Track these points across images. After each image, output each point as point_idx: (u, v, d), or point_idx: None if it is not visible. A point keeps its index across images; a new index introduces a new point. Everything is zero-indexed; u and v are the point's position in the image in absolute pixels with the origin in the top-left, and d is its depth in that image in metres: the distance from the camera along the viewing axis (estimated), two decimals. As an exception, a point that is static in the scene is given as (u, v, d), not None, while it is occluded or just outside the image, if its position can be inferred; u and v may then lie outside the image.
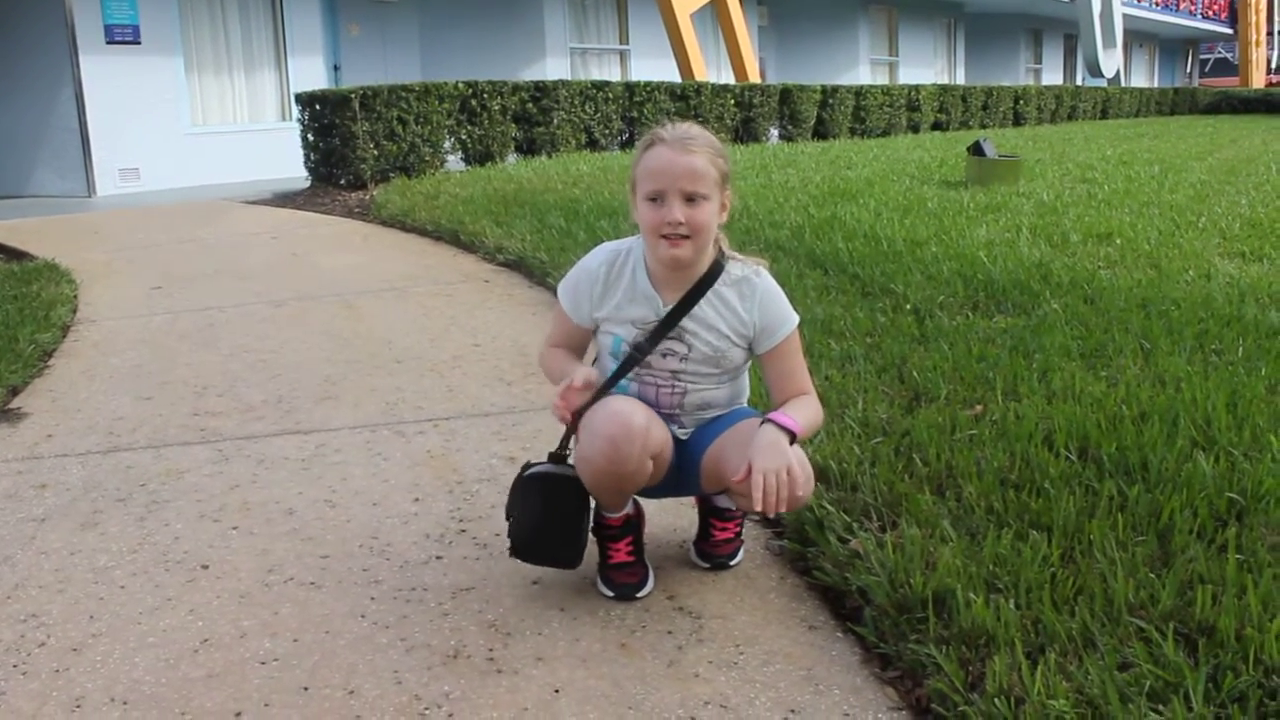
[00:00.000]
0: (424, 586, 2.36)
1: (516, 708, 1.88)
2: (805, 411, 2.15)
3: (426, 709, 1.89)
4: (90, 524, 2.79)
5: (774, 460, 1.98)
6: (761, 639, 2.06)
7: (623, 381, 2.22)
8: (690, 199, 2.04)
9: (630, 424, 2.05)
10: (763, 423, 2.06)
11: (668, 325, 2.16)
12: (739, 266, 2.19)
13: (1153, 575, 1.97)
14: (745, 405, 2.33)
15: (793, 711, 1.82)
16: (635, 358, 2.18)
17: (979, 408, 3.02)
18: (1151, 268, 5.06)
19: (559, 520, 2.21)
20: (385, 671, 2.02)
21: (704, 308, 2.16)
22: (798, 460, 2.01)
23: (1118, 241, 5.85)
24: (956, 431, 2.81)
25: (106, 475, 3.14)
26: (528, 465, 2.26)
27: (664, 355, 2.19)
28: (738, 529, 2.36)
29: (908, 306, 4.29)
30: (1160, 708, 1.57)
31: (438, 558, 2.51)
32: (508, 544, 2.28)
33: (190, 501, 2.92)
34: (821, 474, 2.55)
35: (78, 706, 1.94)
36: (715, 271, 2.16)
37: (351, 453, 3.25)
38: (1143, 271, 4.96)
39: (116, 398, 3.92)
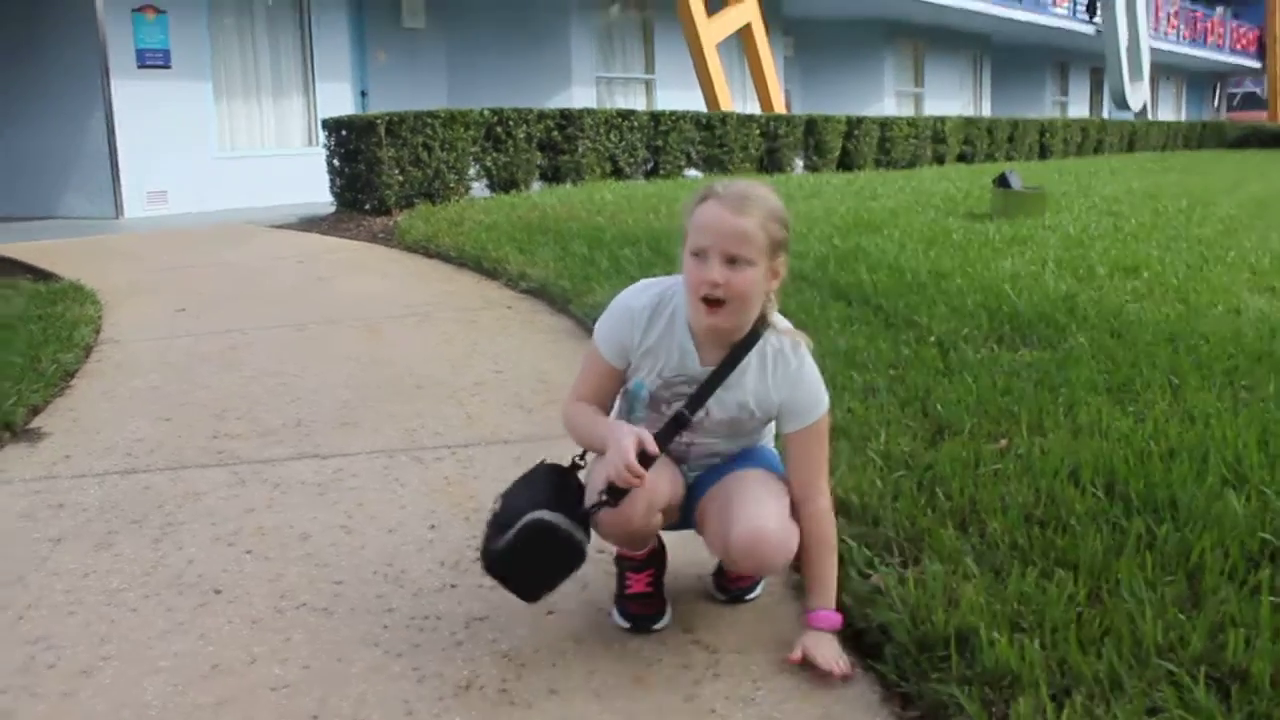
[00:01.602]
0: (437, 615, 2.33)
1: (529, 742, 1.84)
2: (831, 571, 2.11)
3: (436, 741, 1.86)
4: (105, 545, 2.78)
5: (830, 649, 2.02)
6: (779, 676, 2.02)
7: (634, 417, 2.19)
8: (733, 261, 1.94)
9: (632, 510, 2.03)
10: (810, 620, 2.08)
11: (704, 393, 2.09)
12: (778, 339, 2.09)
13: (1182, 617, 1.92)
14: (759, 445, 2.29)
15: (811, 751, 1.78)
16: (676, 429, 2.11)
17: (1004, 442, 2.97)
18: (1180, 302, 5.00)
19: (550, 572, 2.11)
20: (396, 701, 1.99)
21: (734, 376, 2.09)
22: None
23: (1145, 275, 5.78)
24: (980, 466, 2.77)
25: (123, 496, 3.13)
26: (536, 500, 2.09)
27: (683, 428, 2.13)
28: None
29: (931, 339, 4.24)
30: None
31: (452, 586, 2.48)
32: (481, 545, 2.14)
33: (205, 525, 2.90)
34: (842, 507, 2.51)
35: (85, 732, 1.92)
36: (752, 339, 2.07)
37: (369, 478, 3.23)
38: (1171, 306, 4.89)
39: (136, 419, 3.92)
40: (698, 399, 2.09)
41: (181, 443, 3.63)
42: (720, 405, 2.10)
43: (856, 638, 2.10)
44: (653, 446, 1.99)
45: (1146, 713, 1.62)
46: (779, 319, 2.12)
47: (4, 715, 1.97)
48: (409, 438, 3.61)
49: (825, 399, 2.12)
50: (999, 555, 2.22)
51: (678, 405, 2.11)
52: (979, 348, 4.13)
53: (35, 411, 4.00)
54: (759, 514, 2.02)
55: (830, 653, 2.00)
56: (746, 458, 2.20)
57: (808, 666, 2.01)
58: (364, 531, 2.82)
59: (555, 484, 2.16)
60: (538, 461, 2.25)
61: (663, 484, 2.07)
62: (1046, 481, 2.60)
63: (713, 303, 1.96)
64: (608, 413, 2.20)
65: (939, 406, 3.29)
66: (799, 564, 2.13)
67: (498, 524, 2.08)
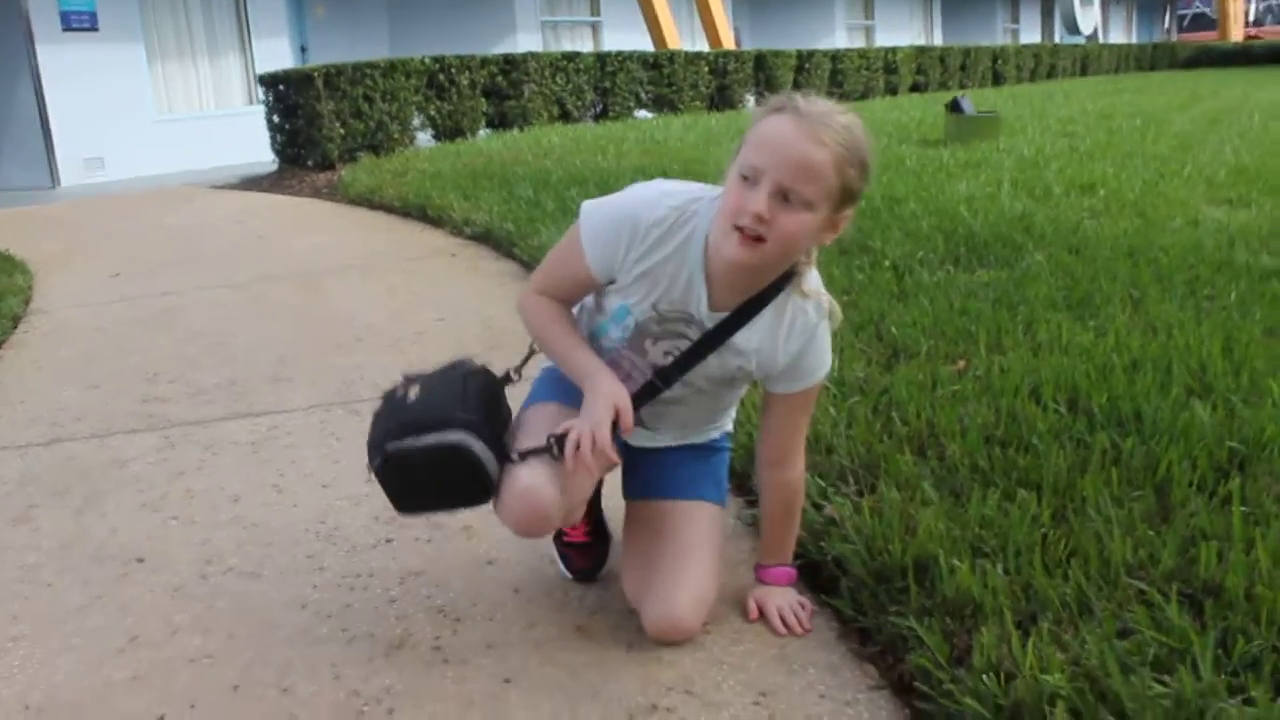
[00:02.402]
0: (370, 572, 2.20)
1: (462, 700, 1.72)
2: (793, 534, 1.92)
3: (365, 705, 1.73)
4: (22, 520, 2.62)
5: (783, 598, 1.88)
6: (731, 617, 1.91)
7: (600, 347, 1.84)
8: (786, 197, 1.55)
9: (539, 507, 1.70)
10: (764, 576, 1.92)
11: (707, 346, 1.75)
12: (802, 299, 1.73)
13: (1152, 533, 1.82)
14: (719, 438, 2.05)
15: (763, 694, 1.67)
16: (657, 387, 1.80)
17: (961, 363, 2.86)
18: (1137, 216, 4.91)
19: (444, 499, 1.81)
20: (323, 666, 1.86)
21: (752, 332, 1.75)
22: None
23: (1101, 192, 5.69)
24: (938, 388, 2.66)
25: (44, 468, 2.96)
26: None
27: (666, 354, 1.80)
28: None
29: (886, 263, 4.12)
30: (1166, 678, 1.41)
31: (387, 540, 2.34)
32: (374, 430, 1.84)
33: (131, 492, 2.75)
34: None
35: (-11, 715, 1.78)
36: (772, 293, 1.71)
37: (303, 434, 3.08)
38: (1129, 220, 4.80)
39: (63, 388, 3.74)
40: (687, 360, 1.76)
41: (110, 409, 3.45)
42: (718, 365, 1.79)
43: (812, 571, 1.99)
44: (628, 419, 1.70)
45: (1117, 635, 1.52)
46: (812, 276, 1.75)
47: (-99, 706, 1.83)
48: (346, 390, 3.45)
49: (829, 364, 1.82)
50: (958, 479, 2.11)
51: (665, 346, 1.78)
52: (935, 270, 4.01)
53: (-45, 385, 3.81)
54: (678, 598, 1.79)
55: (787, 605, 1.86)
56: (698, 467, 1.97)
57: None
58: (296, 490, 2.68)
59: (488, 401, 1.80)
60: (465, 358, 1.87)
61: (582, 482, 1.75)
62: (1007, 400, 2.49)
63: (749, 236, 1.57)
64: (565, 308, 1.86)
65: (894, 330, 3.17)
66: (764, 519, 1.95)
67: (408, 420, 1.74)
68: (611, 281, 1.77)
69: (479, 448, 1.72)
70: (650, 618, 1.82)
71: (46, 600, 2.19)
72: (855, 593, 1.82)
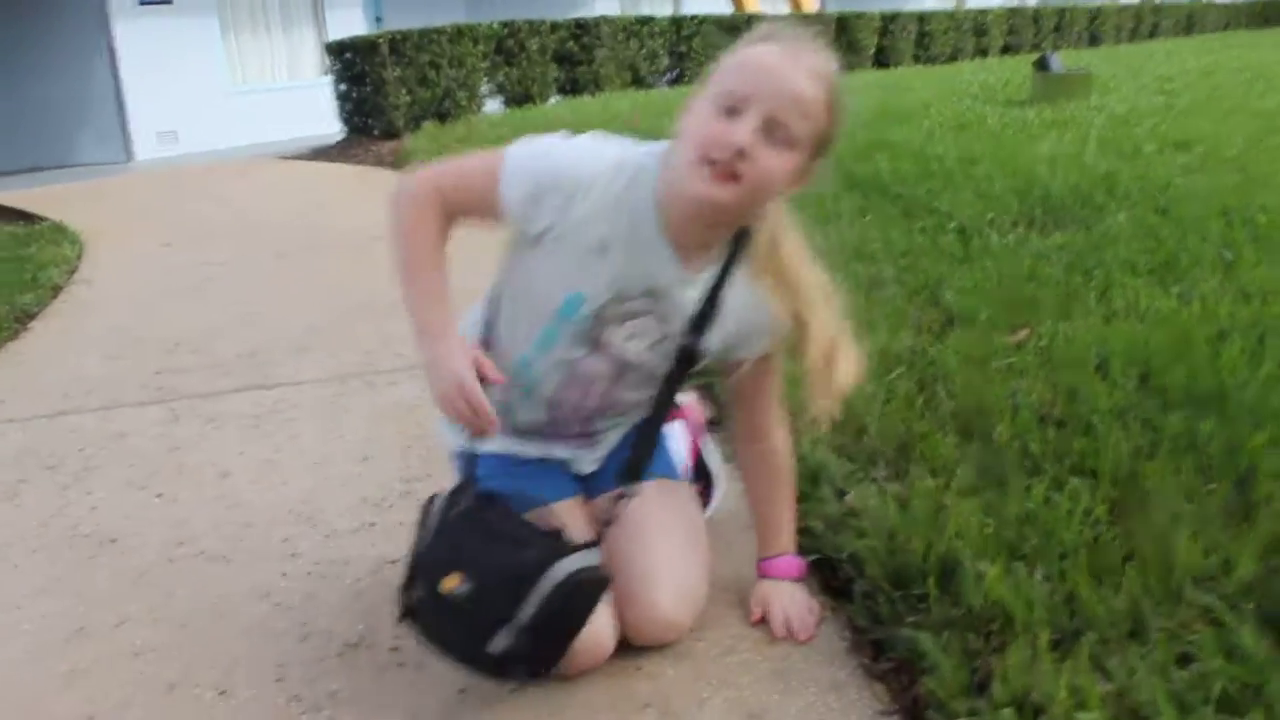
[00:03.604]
0: (345, 559, 2.00)
1: (408, 712, 1.50)
2: (793, 510, 1.68)
3: (304, 714, 1.53)
4: (9, 496, 2.49)
5: (790, 598, 1.62)
6: (725, 623, 1.64)
7: (538, 369, 1.59)
8: (772, 130, 1.35)
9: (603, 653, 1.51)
10: (767, 569, 1.67)
11: (708, 313, 1.51)
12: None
13: (1227, 536, 1.51)
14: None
15: (751, 716, 1.42)
16: (686, 368, 1.56)
17: (1023, 333, 2.55)
18: (1237, 172, 4.47)
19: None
20: (269, 665, 1.67)
21: (732, 290, 1.52)
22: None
23: (1197, 150, 5.23)
24: (993, 360, 2.35)
25: (44, 441, 2.83)
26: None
27: (630, 337, 1.55)
28: (703, 489, 1.91)
29: (951, 225, 3.80)
30: None
31: (370, 525, 2.15)
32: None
33: (122, 467, 2.60)
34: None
35: (-94, 714, 1.62)
36: (742, 241, 1.50)
37: (312, 407, 2.91)
38: (1227, 176, 4.37)
39: (84, 359, 3.63)
40: (701, 320, 1.50)
41: (123, 381, 3.32)
42: (716, 337, 1.54)
43: (827, 570, 1.72)
44: (488, 368, 1.48)
45: (1175, 662, 1.23)
46: (784, 224, 1.53)
47: None
48: (367, 361, 3.27)
49: None
50: (1005, 463, 1.82)
51: (629, 329, 1.54)
52: (1005, 233, 3.67)
53: (-20, 356, 3.73)
54: (657, 592, 1.54)
55: (794, 608, 1.60)
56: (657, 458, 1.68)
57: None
58: (289, 466, 2.50)
59: (514, 522, 1.50)
60: (440, 504, 1.53)
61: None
62: (1068, 374, 2.18)
63: (723, 173, 1.35)
64: (445, 229, 1.57)
65: (950, 295, 2.86)
66: (751, 502, 1.71)
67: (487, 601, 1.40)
68: (526, 239, 1.52)
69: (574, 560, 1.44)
70: (628, 620, 1.54)
71: (9, 583, 2.05)
72: (870, 597, 1.55)
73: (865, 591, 1.56)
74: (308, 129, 11.66)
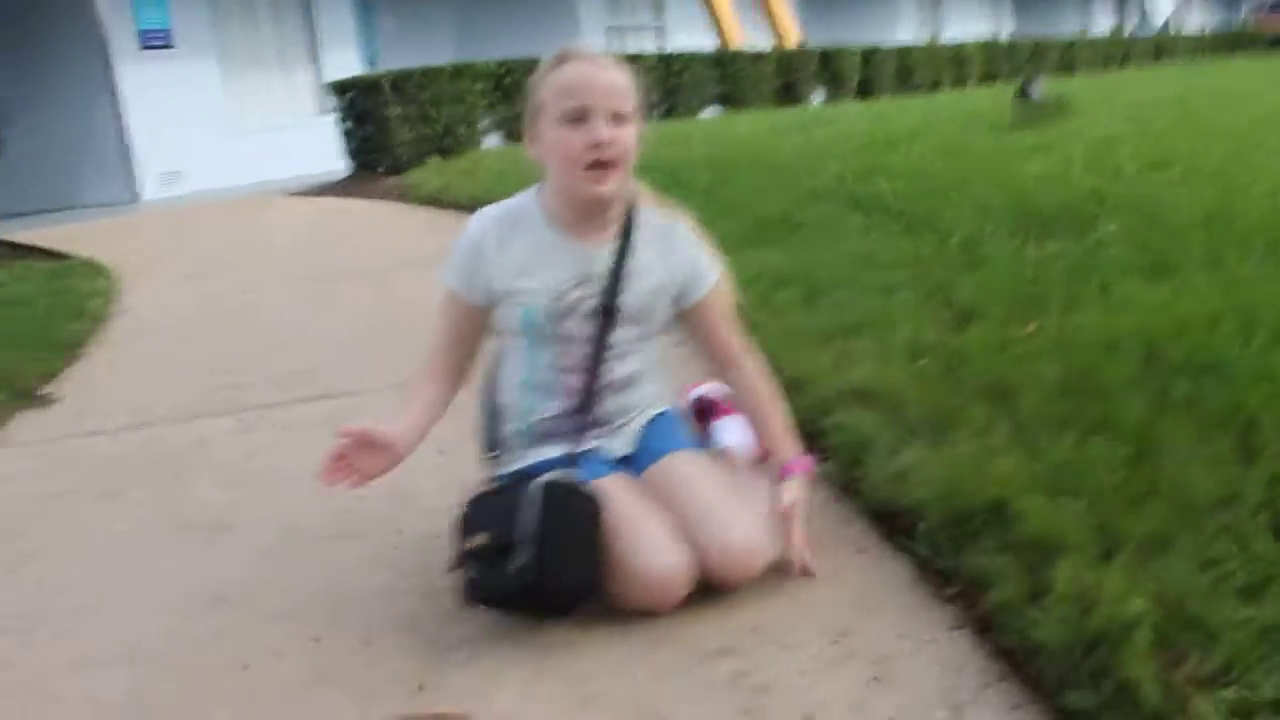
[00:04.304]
0: (446, 533, 2.23)
1: (540, 647, 1.74)
2: (786, 420, 1.97)
3: (444, 651, 1.76)
4: (112, 494, 2.70)
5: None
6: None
7: (537, 375, 1.92)
8: (616, 118, 1.74)
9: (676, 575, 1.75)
10: (783, 473, 1.93)
11: (617, 275, 1.85)
12: (654, 212, 1.92)
13: (1237, 473, 1.77)
14: (666, 410, 2.05)
15: (841, 635, 1.66)
16: (607, 328, 1.87)
17: (1033, 326, 2.81)
18: (1216, 185, 4.77)
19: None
20: (403, 618, 1.90)
21: (639, 250, 1.88)
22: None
23: (1177, 168, 5.54)
24: (1009, 349, 2.62)
25: (132, 450, 3.05)
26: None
27: (583, 319, 1.89)
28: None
29: (953, 240, 4.07)
30: (1256, 604, 1.37)
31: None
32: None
33: (214, 468, 2.82)
34: (865, 395, 2.38)
35: (82, 667, 1.84)
36: (633, 212, 1.88)
37: (377, 412, 3.11)
38: (1206, 189, 4.67)
39: (146, 379, 3.85)
40: (612, 285, 1.86)
41: (191, 397, 3.55)
42: (635, 293, 1.88)
43: (888, 522, 1.97)
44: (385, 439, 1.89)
45: (1201, 567, 1.48)
46: (641, 189, 1.93)
47: (8, 653, 1.90)
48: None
49: (716, 258, 1.98)
50: (1032, 428, 2.08)
51: (583, 313, 1.88)
52: (1004, 244, 3.95)
53: (47, 379, 3.93)
54: (729, 530, 1.79)
55: (795, 497, 1.88)
56: (665, 428, 2.00)
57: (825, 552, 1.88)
58: (373, 462, 2.72)
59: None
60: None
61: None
62: (1081, 356, 2.44)
63: (601, 167, 1.74)
64: (464, 366, 1.99)
65: (962, 296, 3.13)
66: (750, 420, 2.02)
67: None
68: (492, 302, 1.90)
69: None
70: (709, 557, 1.76)
71: (136, 564, 2.27)
72: (932, 536, 1.79)
73: (927, 530, 1.81)
74: (307, 167, 11.91)
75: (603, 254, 1.87)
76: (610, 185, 1.77)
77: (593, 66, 1.76)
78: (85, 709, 1.71)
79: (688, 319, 1.97)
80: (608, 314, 1.87)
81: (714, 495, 1.84)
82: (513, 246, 1.86)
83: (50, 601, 2.11)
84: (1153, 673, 1.24)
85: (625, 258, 1.86)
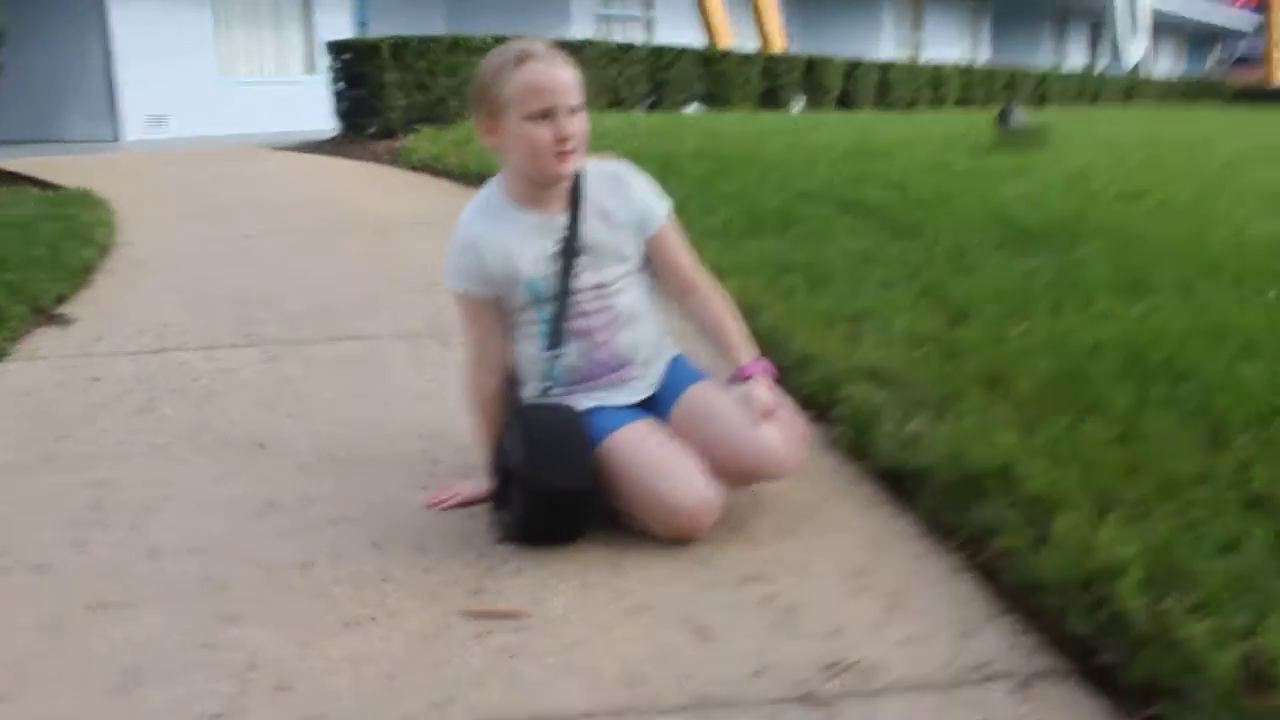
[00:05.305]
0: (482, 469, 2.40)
1: (584, 563, 1.92)
2: (744, 330, 2.22)
3: (494, 565, 1.93)
4: (147, 410, 2.83)
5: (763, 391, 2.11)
6: (820, 513, 2.10)
7: (552, 334, 2.14)
8: (572, 110, 2.01)
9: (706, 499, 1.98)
10: (744, 373, 2.14)
11: (574, 236, 2.12)
12: (598, 162, 2.18)
13: (1208, 458, 2.00)
14: (678, 355, 2.30)
15: (857, 572, 1.86)
16: (569, 261, 2.12)
17: (1024, 325, 3.04)
18: (1190, 217, 5.07)
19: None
20: (454, 532, 2.06)
21: (590, 201, 2.14)
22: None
23: (1150, 201, 5.84)
24: (1003, 345, 2.84)
25: (158, 371, 3.18)
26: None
27: (579, 272, 2.15)
28: None
29: (940, 248, 4.30)
30: (1229, 559, 1.59)
31: (495, 442, 2.54)
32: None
33: (244, 393, 2.96)
34: (873, 373, 2.59)
35: (155, 556, 1.98)
36: (581, 170, 2.14)
37: (397, 356, 3.30)
38: (1180, 221, 4.96)
39: (161, 307, 3.97)
40: (572, 228, 2.12)
41: (210, 326, 3.68)
42: (604, 231, 2.14)
43: (897, 483, 2.18)
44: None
45: (1182, 528, 1.70)
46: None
47: (78, 544, 2.04)
48: (430, 324, 3.65)
49: (663, 195, 2.22)
50: (1029, 409, 2.30)
51: (584, 262, 2.14)
52: (989, 255, 4.19)
53: (61, 299, 4.04)
54: (761, 434, 2.04)
55: (765, 391, 2.08)
56: (682, 371, 2.24)
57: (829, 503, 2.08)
58: (398, 398, 2.89)
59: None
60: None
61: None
62: (1068, 356, 2.67)
63: (567, 153, 2.03)
64: (506, 350, 2.20)
65: (956, 296, 3.35)
66: (710, 339, 2.24)
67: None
68: (497, 293, 2.14)
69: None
70: (745, 458, 2.03)
71: (185, 472, 2.41)
72: (939, 493, 2.00)
73: (935, 488, 2.02)
74: (292, 124, 11.95)
75: (563, 213, 2.14)
76: (571, 165, 2.05)
77: (551, 67, 2.00)
78: (163, 588, 1.86)
79: (650, 250, 2.21)
80: (573, 253, 2.12)
81: (736, 410, 2.08)
82: (497, 234, 2.11)
83: (112, 498, 2.25)
84: (1143, 604, 1.46)
85: (580, 200, 2.12)
